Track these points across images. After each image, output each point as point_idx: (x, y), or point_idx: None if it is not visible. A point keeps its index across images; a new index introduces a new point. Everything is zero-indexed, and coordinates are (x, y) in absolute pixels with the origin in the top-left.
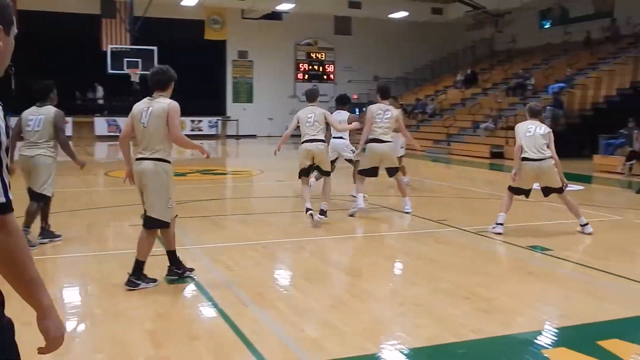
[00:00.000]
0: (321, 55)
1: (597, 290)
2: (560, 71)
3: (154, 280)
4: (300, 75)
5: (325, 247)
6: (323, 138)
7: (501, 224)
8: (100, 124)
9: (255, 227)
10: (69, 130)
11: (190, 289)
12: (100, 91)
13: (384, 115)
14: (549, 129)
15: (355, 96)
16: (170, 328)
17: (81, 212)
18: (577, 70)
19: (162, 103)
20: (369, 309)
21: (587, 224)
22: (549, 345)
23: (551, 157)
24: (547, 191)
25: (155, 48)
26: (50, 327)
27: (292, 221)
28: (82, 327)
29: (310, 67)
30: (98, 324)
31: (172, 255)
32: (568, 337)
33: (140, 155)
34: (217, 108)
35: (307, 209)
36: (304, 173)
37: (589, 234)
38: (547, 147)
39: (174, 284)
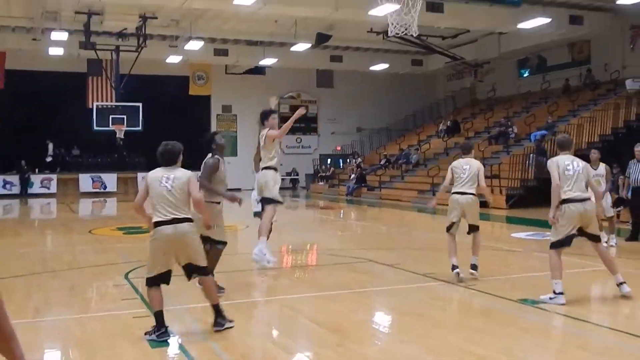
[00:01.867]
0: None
1: (592, 344)
2: (541, 118)
3: (231, 320)
4: None
5: (310, 304)
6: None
7: (561, 293)
8: (85, 181)
9: (240, 284)
10: (53, 187)
11: (172, 350)
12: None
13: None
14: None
15: (339, 148)
16: None
17: (64, 272)
18: (558, 117)
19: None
20: None
21: (623, 283)
22: None
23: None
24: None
25: (140, 104)
26: None
27: (277, 278)
28: None
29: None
30: None
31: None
32: None
33: (169, 217)
34: (201, 162)
35: (453, 267)
36: (453, 228)
37: (626, 295)
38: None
39: (157, 348)
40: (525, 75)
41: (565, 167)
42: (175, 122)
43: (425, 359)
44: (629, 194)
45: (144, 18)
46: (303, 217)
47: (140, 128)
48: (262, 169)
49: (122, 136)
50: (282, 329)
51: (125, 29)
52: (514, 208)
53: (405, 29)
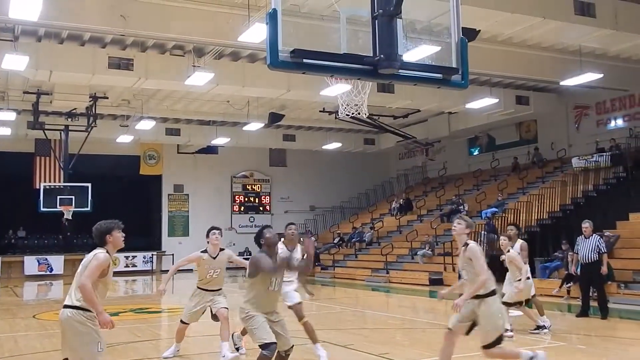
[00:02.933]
0: (257, 186)
1: None
2: (492, 196)
3: None
4: (236, 207)
5: None
6: None
7: None
8: (31, 263)
9: None
10: None
11: None
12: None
13: None
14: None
15: None
16: None
17: None
18: (508, 195)
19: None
20: None
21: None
22: None
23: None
24: None
25: (89, 185)
26: None
27: None
28: None
29: (246, 199)
30: None
31: None
32: None
33: None
34: (151, 243)
35: None
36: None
37: None
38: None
39: None
40: (475, 153)
41: None
42: (125, 202)
43: None
44: (578, 270)
45: (94, 98)
46: None
47: (89, 208)
48: None
49: (70, 217)
50: None
51: (75, 109)
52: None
53: (356, 110)
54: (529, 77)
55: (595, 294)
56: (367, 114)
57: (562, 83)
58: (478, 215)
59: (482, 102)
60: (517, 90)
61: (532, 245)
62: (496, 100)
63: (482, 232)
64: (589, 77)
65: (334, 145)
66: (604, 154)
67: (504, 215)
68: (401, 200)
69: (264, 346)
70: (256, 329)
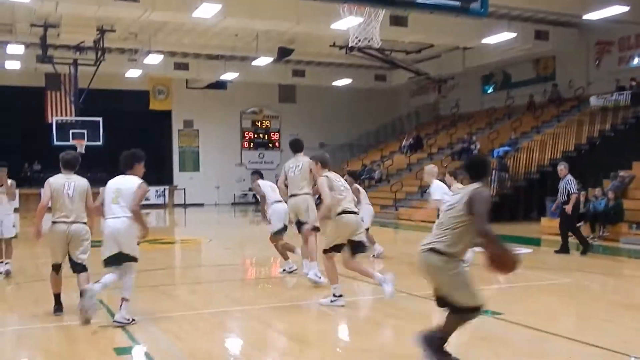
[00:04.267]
0: (267, 123)
1: (550, 353)
2: (505, 135)
3: None
4: (246, 144)
5: (275, 315)
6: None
7: (341, 296)
8: None
9: (205, 296)
10: (15, 202)
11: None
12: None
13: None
14: None
15: None
16: None
17: (27, 284)
18: (522, 133)
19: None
20: None
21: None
22: None
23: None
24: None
25: (100, 119)
26: None
27: (242, 289)
28: None
29: (256, 135)
30: None
31: None
32: None
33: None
34: (163, 177)
35: None
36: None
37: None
38: None
39: (122, 355)
40: (489, 91)
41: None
42: (136, 137)
43: None
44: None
45: (101, 31)
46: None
47: (100, 143)
48: (303, 194)
49: (83, 151)
50: (248, 339)
51: (83, 42)
52: None
53: (368, 41)
54: (549, 11)
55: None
56: (380, 44)
57: (584, 17)
58: (490, 154)
59: (499, 37)
60: (537, 25)
61: (544, 184)
62: (514, 35)
63: (493, 170)
64: (614, 10)
65: (344, 82)
66: (624, 92)
67: (516, 154)
68: (411, 138)
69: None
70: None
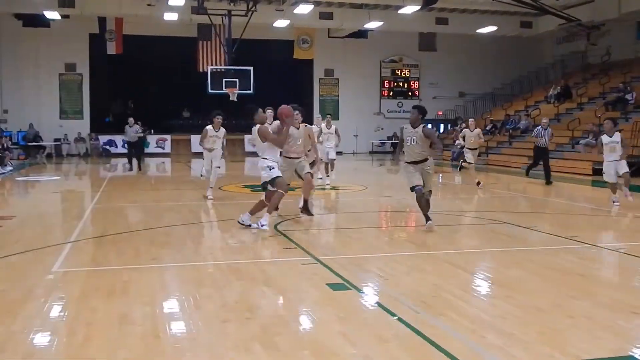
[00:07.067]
0: (406, 72)
1: None
2: None
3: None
4: (385, 92)
5: (464, 259)
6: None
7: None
8: (197, 141)
9: (387, 239)
10: (167, 147)
11: (359, 297)
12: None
13: None
14: None
15: (440, 112)
16: (359, 331)
17: (216, 223)
18: None
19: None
20: (540, 320)
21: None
22: None
23: None
24: None
25: (251, 68)
26: None
27: (428, 234)
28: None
29: (395, 84)
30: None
31: None
32: None
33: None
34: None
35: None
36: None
37: None
38: None
39: (338, 291)
40: None
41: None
42: (281, 86)
43: (598, 314)
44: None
45: None
46: None
47: (252, 91)
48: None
49: (235, 99)
50: (450, 281)
51: None
52: (634, 177)
53: None
54: None
55: None
56: None
57: None
58: None
59: None
60: None
61: None
62: None
63: None
64: None
65: (489, 29)
66: None
67: None
68: (559, 87)
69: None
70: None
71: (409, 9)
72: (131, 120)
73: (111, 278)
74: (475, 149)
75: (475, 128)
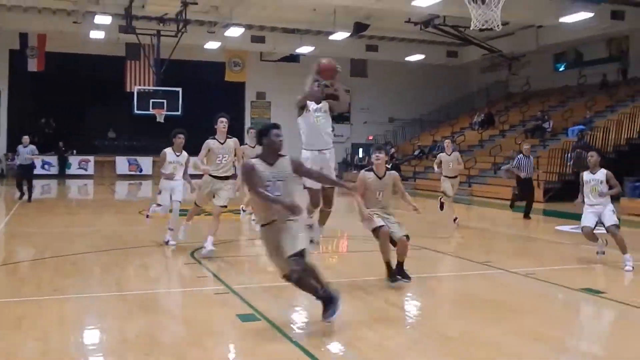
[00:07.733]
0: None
1: None
2: (579, 113)
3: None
4: None
5: (383, 289)
6: None
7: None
8: (122, 163)
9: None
10: (90, 169)
11: (268, 329)
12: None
13: None
14: None
15: (371, 137)
16: None
17: (131, 250)
18: (596, 112)
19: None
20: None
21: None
22: None
23: None
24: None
25: (180, 89)
26: None
27: (347, 260)
28: None
29: None
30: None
31: None
32: None
33: None
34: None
35: None
36: None
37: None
38: None
39: (247, 322)
40: (561, 69)
41: None
42: (211, 108)
43: (502, 341)
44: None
45: (184, 3)
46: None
47: (179, 113)
48: None
49: (162, 120)
50: (358, 310)
51: (166, 13)
52: (550, 202)
53: (488, 23)
54: None
55: None
56: (500, 27)
57: None
58: (564, 132)
59: (577, 17)
60: (613, 5)
61: (620, 165)
62: (591, 15)
63: (576, 149)
64: None
65: (417, 57)
66: None
67: (592, 133)
68: (483, 114)
69: None
70: None
71: (340, 35)
72: (26, 139)
73: (4, 312)
74: (455, 176)
75: (453, 151)
